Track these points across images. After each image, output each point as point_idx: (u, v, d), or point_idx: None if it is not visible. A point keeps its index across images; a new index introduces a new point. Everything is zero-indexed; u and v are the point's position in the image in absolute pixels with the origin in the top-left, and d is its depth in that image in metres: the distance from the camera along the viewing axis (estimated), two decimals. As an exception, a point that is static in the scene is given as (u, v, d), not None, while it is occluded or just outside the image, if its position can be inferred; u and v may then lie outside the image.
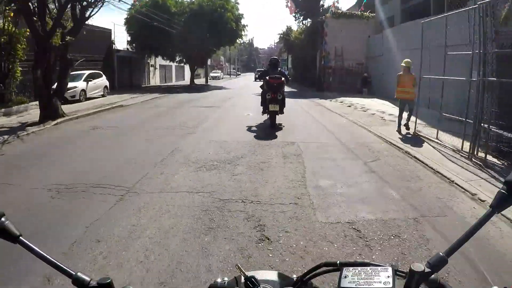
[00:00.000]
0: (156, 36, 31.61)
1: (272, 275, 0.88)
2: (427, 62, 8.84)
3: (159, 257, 3.31)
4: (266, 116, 11.04)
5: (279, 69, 10.98)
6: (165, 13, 30.18)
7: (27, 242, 0.81)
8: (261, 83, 11.29)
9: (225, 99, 21.02)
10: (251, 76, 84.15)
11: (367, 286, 0.73)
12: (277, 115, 10.35)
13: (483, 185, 5.36)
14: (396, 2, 23.83)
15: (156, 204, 4.62)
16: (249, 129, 10.32)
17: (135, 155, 7.14)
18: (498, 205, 0.78)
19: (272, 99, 10.07)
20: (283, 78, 10.49)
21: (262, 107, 10.95)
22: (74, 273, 0.80)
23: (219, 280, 0.88)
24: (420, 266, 0.72)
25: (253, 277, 0.82)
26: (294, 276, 0.89)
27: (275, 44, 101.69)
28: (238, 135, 9.42)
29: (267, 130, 9.98)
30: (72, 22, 12.98)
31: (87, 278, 0.79)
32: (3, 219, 0.81)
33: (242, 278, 0.84)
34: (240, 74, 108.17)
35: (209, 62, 79.08)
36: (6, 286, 2.53)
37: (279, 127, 10.29)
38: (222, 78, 60.68)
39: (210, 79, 57.57)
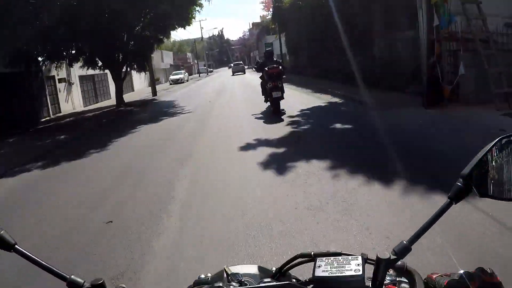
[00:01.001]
0: (47, 25, 15.86)
1: (253, 269, 0.91)
2: None
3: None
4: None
5: (274, 59, 11.59)
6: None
7: (23, 250, 0.81)
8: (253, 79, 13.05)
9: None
10: (225, 72, 68.87)
11: (339, 274, 0.75)
12: (279, 101, 10.58)
13: None
14: None
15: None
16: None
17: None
18: (455, 197, 0.80)
19: (274, 87, 10.30)
20: (280, 67, 10.66)
21: (264, 96, 11.33)
22: (68, 277, 0.81)
23: (202, 276, 0.92)
24: (385, 254, 0.75)
25: (236, 273, 0.85)
26: (273, 268, 0.91)
27: (248, 30, 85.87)
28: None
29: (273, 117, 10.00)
30: None
31: (81, 281, 0.80)
32: None
33: (225, 274, 0.86)
34: (212, 71, 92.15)
35: (171, 61, 62.72)
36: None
37: (282, 113, 10.48)
38: (187, 81, 44.40)
39: (170, 83, 41.60)
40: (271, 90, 10.30)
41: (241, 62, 58.39)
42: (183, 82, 40.87)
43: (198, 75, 60.99)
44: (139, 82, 38.76)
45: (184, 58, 78.67)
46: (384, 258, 0.74)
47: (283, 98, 10.64)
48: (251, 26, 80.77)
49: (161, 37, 21.46)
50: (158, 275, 3.11)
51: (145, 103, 21.41)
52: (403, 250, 0.78)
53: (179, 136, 9.66)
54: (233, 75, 45.91)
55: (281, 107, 10.74)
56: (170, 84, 40.39)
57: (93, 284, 0.79)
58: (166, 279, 3.02)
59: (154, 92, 25.31)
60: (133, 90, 34.91)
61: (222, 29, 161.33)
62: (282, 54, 28.14)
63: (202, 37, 63.51)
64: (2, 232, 0.81)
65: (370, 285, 0.77)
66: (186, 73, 45.55)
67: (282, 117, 10.01)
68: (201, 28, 62.20)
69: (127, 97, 22.98)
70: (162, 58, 53.26)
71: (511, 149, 0.82)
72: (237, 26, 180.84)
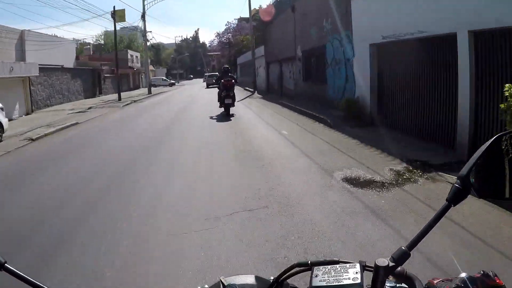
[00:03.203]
0: None
1: (250, 279, 0.87)
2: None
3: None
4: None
5: (230, 74, 14.46)
6: None
7: (13, 268, 0.81)
8: None
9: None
10: (194, 86, 45.63)
11: (337, 284, 0.73)
12: (230, 107, 13.60)
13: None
14: None
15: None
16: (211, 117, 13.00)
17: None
18: (453, 199, 0.78)
19: (227, 96, 13.31)
20: (233, 80, 13.95)
21: (219, 102, 14.05)
22: None
23: (199, 287, 0.89)
24: (384, 261, 0.73)
25: (232, 284, 0.82)
26: (271, 277, 0.87)
27: (237, 22, 53.70)
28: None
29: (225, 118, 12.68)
30: None
31: None
32: None
33: (221, 285, 0.83)
34: (174, 84, 59.51)
35: (68, 61, 26.94)
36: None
37: (231, 115, 13.31)
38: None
39: None
40: (224, 98, 13.32)
41: (217, 73, 40.20)
42: None
43: (120, 98, 27.52)
44: None
45: (123, 59, 45.46)
46: (382, 265, 0.72)
47: (234, 106, 13.91)
48: (237, 18, 48.85)
49: None
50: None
51: None
52: (401, 256, 0.75)
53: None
54: (207, 87, 38.84)
55: None
56: None
57: None
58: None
59: None
60: None
61: (197, 30, 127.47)
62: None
63: (143, 16, 30.21)
64: None
65: None
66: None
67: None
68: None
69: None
70: (23, 52, 20.54)
71: (509, 146, 0.77)
72: (217, 24, 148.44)
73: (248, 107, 16.45)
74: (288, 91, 19.08)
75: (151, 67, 63.41)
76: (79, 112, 17.85)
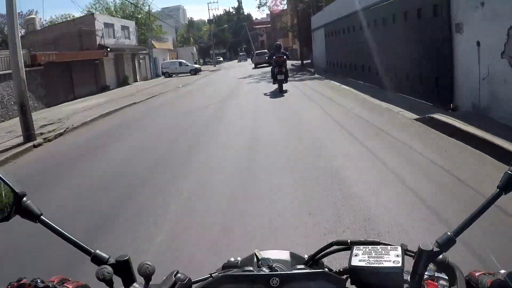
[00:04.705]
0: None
1: (284, 255, 0.86)
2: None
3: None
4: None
5: (282, 51, 14.69)
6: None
7: (48, 221, 0.79)
8: None
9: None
10: (233, 71, 32.79)
11: (377, 265, 0.71)
12: (283, 83, 13.91)
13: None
14: None
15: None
16: (265, 94, 13.99)
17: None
18: (505, 187, 0.74)
19: (279, 71, 13.59)
20: (285, 57, 14.16)
21: (272, 78, 14.52)
22: (93, 251, 0.78)
23: (232, 259, 0.87)
24: (428, 246, 0.70)
25: (266, 258, 0.80)
26: (306, 255, 0.88)
27: None
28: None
29: (278, 94, 13.48)
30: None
31: (106, 256, 0.78)
32: (24, 199, 0.77)
33: (255, 258, 0.83)
34: (200, 70, 37.58)
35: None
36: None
37: (284, 91, 13.68)
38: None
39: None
40: (277, 74, 13.63)
41: (266, 50, 36.13)
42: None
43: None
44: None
45: (78, 31, 23.31)
46: (426, 249, 0.69)
47: (286, 82, 14.12)
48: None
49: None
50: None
51: None
52: (447, 242, 0.72)
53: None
54: (255, 67, 32.75)
55: None
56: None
57: (118, 260, 0.75)
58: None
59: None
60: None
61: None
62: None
63: None
64: (28, 202, 0.77)
65: (408, 279, 0.71)
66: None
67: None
68: None
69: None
70: None
71: None
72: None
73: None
74: None
75: (166, 45, 41.15)
76: None
